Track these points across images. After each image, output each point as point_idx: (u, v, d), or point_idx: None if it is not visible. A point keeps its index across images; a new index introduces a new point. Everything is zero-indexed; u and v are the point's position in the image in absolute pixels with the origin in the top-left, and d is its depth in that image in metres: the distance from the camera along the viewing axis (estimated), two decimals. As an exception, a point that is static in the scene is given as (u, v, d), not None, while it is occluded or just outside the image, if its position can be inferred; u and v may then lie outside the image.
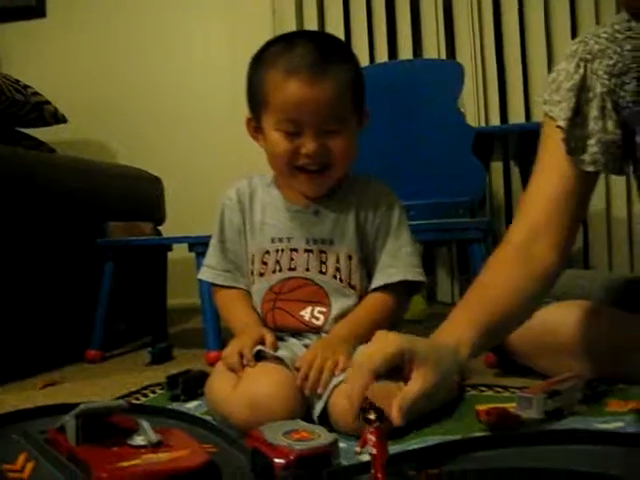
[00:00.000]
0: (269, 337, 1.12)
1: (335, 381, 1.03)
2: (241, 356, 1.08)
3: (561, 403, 1.08)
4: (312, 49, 1.12)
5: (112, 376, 1.59)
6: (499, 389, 1.26)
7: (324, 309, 1.19)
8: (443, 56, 2.68)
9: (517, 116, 2.64)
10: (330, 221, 1.21)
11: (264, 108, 1.16)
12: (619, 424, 0.99)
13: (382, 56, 2.72)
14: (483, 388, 1.27)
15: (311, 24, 2.74)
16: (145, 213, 2.18)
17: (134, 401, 1.28)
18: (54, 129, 2.43)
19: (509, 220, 2.70)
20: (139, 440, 0.83)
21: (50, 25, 3.08)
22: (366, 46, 2.70)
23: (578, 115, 1.09)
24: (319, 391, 1.04)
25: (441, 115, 1.69)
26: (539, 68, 2.63)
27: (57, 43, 3.05)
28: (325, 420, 1.03)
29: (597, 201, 2.60)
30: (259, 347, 1.10)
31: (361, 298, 1.21)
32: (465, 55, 2.64)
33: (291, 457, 0.76)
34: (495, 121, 2.64)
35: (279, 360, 1.09)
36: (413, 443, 0.96)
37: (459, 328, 0.97)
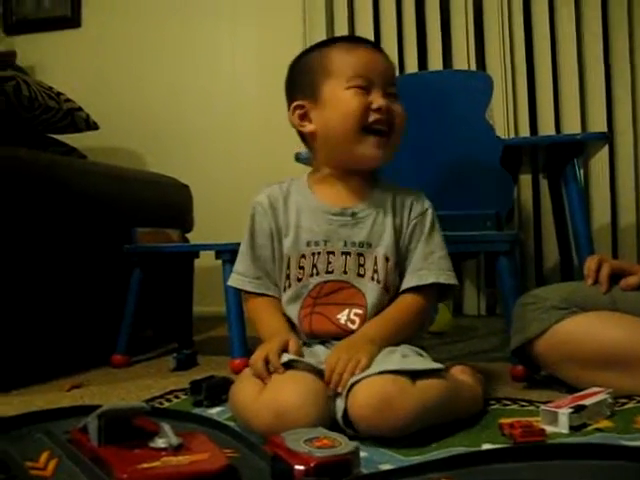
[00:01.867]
0: (293, 342, 1.12)
1: (353, 379, 1.03)
2: (267, 362, 1.08)
3: (587, 418, 1.06)
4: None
5: (137, 380, 1.60)
6: (524, 403, 1.24)
7: (360, 311, 1.20)
8: (473, 67, 2.67)
9: (547, 128, 2.62)
10: (367, 224, 1.23)
11: (327, 76, 1.21)
12: (646, 441, 0.97)
13: (412, 66, 2.72)
14: (507, 402, 1.25)
15: (342, 34, 2.75)
16: (173, 220, 2.20)
17: (157, 405, 1.28)
18: (86, 136, 2.47)
19: (537, 233, 2.68)
20: (160, 443, 0.83)
21: (85, 35, 3.13)
22: (396, 56, 2.70)
23: None
24: (339, 390, 1.04)
25: (469, 126, 1.68)
26: (570, 80, 2.61)
27: (91, 52, 3.10)
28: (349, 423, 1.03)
29: (627, 214, 2.57)
30: (286, 356, 1.09)
31: (391, 300, 1.22)
32: (495, 66, 2.63)
33: (311, 464, 0.76)
34: (524, 133, 2.63)
35: (308, 367, 1.08)
36: (436, 454, 0.95)
37: None
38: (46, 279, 1.72)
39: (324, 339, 1.20)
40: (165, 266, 2.06)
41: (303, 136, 1.29)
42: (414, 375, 1.04)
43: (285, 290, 1.25)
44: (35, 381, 1.56)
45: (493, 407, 1.22)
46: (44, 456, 0.86)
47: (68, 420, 0.99)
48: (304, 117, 1.24)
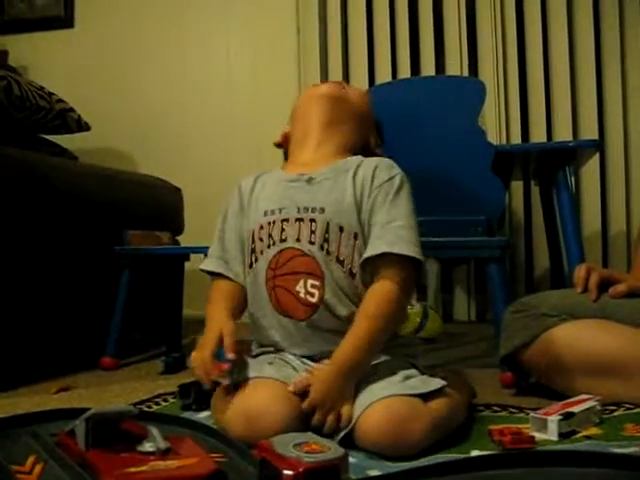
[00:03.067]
0: (226, 330, 1.09)
1: (357, 413, 1.01)
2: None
3: (576, 425, 1.07)
4: None
5: (125, 383, 1.59)
6: (513, 409, 1.24)
7: (317, 282, 1.13)
8: (466, 73, 2.68)
9: (539, 135, 2.63)
10: (324, 189, 1.18)
11: None
12: (635, 449, 0.96)
13: (405, 72, 2.72)
14: (497, 408, 1.25)
15: (335, 42, 2.76)
16: (164, 222, 2.19)
17: (145, 409, 1.27)
18: (77, 137, 2.46)
19: (529, 239, 2.69)
20: (148, 447, 0.83)
21: (78, 35, 3.12)
22: (389, 62, 2.71)
23: None
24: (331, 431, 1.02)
25: (461, 132, 1.68)
26: (562, 87, 2.62)
27: (83, 53, 3.09)
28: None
29: (618, 221, 2.59)
30: (252, 372, 1.08)
31: (352, 275, 1.14)
32: (488, 72, 2.64)
33: (300, 469, 0.75)
34: (516, 139, 2.64)
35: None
36: (425, 460, 0.95)
37: None
38: (35, 280, 1.71)
39: (292, 316, 1.15)
40: (155, 268, 2.05)
41: None
42: (422, 395, 1.04)
43: (252, 266, 1.21)
44: (22, 383, 1.55)
45: (482, 413, 1.21)
46: (30, 460, 0.85)
47: (55, 423, 0.98)
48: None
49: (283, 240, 1.17)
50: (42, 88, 2.23)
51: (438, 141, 1.71)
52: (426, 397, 1.04)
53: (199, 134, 2.96)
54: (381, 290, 1.12)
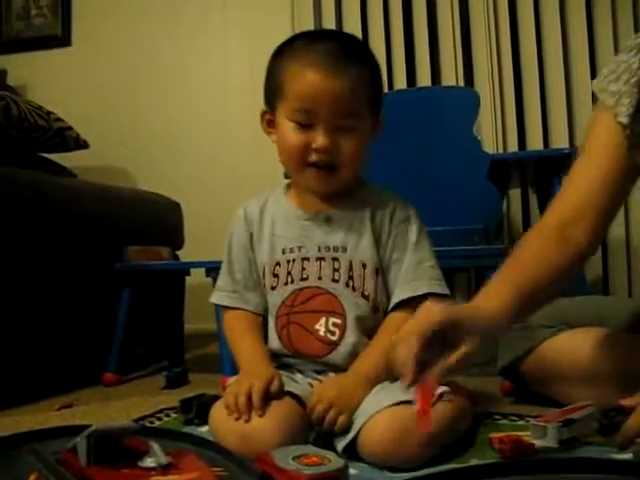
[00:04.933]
0: (276, 382, 1.06)
1: (362, 420, 1.01)
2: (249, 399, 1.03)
3: (576, 432, 1.07)
4: (333, 46, 1.12)
5: (127, 399, 1.59)
6: (514, 417, 1.24)
7: (339, 320, 1.15)
8: (461, 83, 2.69)
9: (535, 143, 2.63)
10: (343, 228, 1.18)
11: (279, 97, 1.14)
12: (628, 455, 0.97)
13: (400, 83, 2.74)
14: (497, 416, 1.26)
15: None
16: (164, 238, 2.20)
17: (148, 424, 1.28)
18: (76, 154, 2.47)
19: (527, 247, 2.68)
20: (149, 462, 0.83)
21: (75, 54, 3.14)
22: (385, 73, 2.72)
23: None
24: (329, 427, 1.03)
25: (457, 142, 1.70)
26: (557, 95, 2.63)
27: (81, 71, 3.11)
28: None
29: (617, 228, 2.59)
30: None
31: (376, 309, 1.17)
32: (483, 82, 2.66)
33: (300, 481, 0.76)
34: (513, 148, 2.65)
35: (287, 394, 1.06)
36: (425, 469, 0.95)
37: (497, 298, 0.97)
38: (36, 298, 1.72)
39: (308, 359, 1.17)
40: (156, 284, 2.06)
41: None
42: None
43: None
44: (24, 401, 1.55)
45: (483, 422, 1.22)
46: (32, 478, 0.85)
47: (57, 440, 0.98)
48: (271, 125, 1.20)
49: (304, 279, 1.17)
50: (40, 107, 2.25)
51: (434, 151, 1.72)
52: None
53: (198, 149, 2.98)
54: (404, 319, 1.12)
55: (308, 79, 1.09)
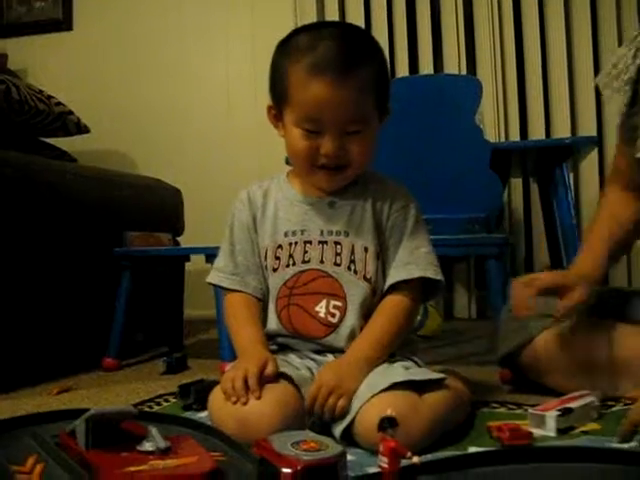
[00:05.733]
0: (271, 365, 1.07)
1: (358, 404, 1.01)
2: (246, 383, 1.03)
3: (574, 421, 1.07)
4: (338, 45, 1.10)
5: (126, 384, 1.60)
6: (512, 406, 1.25)
7: (339, 303, 1.16)
8: (464, 71, 2.69)
9: (537, 132, 2.63)
10: (345, 212, 1.20)
11: (286, 102, 1.14)
12: (633, 443, 0.97)
13: (403, 70, 2.73)
14: (496, 405, 1.26)
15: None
16: (164, 224, 2.20)
17: (147, 409, 1.28)
18: (77, 139, 2.47)
19: (528, 236, 2.69)
20: (148, 446, 0.83)
21: (76, 38, 3.14)
22: (387, 61, 2.71)
23: (634, 106, 1.10)
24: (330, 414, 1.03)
25: (458, 130, 1.69)
26: (560, 84, 2.63)
27: (82, 55, 3.10)
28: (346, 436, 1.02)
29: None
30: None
31: (374, 292, 1.18)
32: (486, 70, 2.65)
33: (298, 467, 0.75)
34: (515, 137, 2.64)
35: (282, 376, 1.06)
36: (422, 456, 0.95)
37: (594, 260, 1.30)
38: (36, 282, 1.72)
39: (307, 339, 1.18)
40: (155, 269, 2.06)
41: None
42: (419, 388, 1.04)
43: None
44: (24, 385, 1.56)
45: (482, 410, 1.22)
46: (30, 460, 0.86)
47: (56, 424, 0.99)
48: (278, 119, 1.19)
49: (306, 261, 1.18)
50: (41, 91, 2.24)
51: (435, 139, 1.72)
52: (425, 390, 1.05)
53: (199, 135, 2.97)
54: (400, 301, 1.17)
55: (314, 89, 1.08)
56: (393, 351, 1.16)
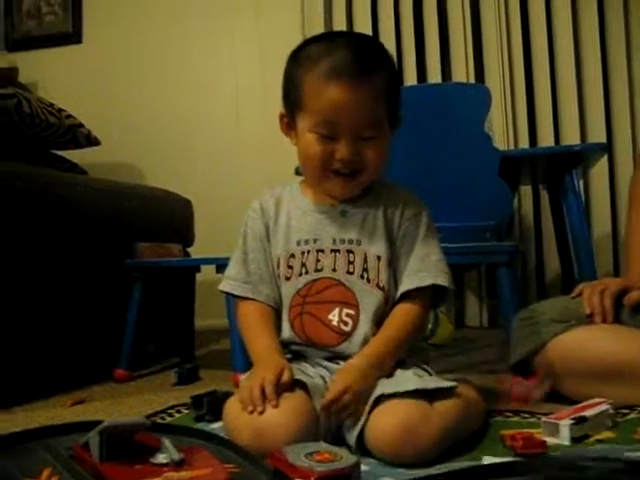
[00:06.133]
0: (287, 373, 1.06)
1: (367, 409, 1.01)
2: (263, 392, 1.03)
3: (589, 429, 1.06)
4: (352, 53, 1.12)
5: (139, 395, 1.60)
6: (525, 415, 1.24)
7: (352, 311, 1.16)
8: (472, 79, 2.69)
9: (546, 139, 2.63)
10: (358, 221, 1.20)
11: (300, 109, 1.15)
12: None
13: (411, 79, 2.74)
14: (509, 414, 1.25)
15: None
16: (174, 235, 2.21)
17: (159, 420, 1.28)
18: (87, 151, 2.48)
19: (539, 244, 2.68)
20: (162, 458, 0.83)
21: (86, 51, 3.16)
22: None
23: None
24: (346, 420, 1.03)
25: (467, 138, 1.69)
26: (568, 91, 2.63)
27: (92, 68, 3.12)
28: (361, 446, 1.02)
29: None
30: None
31: (387, 300, 1.18)
32: (494, 78, 2.65)
33: (312, 478, 0.76)
34: (524, 144, 2.64)
35: (297, 384, 1.06)
36: (437, 466, 0.95)
37: None
38: (48, 295, 1.73)
39: (320, 348, 1.18)
40: (166, 280, 2.06)
41: None
42: (431, 395, 1.04)
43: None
44: (37, 397, 1.56)
45: (495, 419, 1.21)
46: (45, 473, 0.86)
47: (70, 436, 0.98)
48: (290, 127, 1.21)
49: (318, 270, 1.19)
50: (52, 105, 2.26)
51: (445, 148, 1.72)
52: (436, 398, 1.04)
53: (208, 145, 2.98)
54: (411, 309, 1.18)
55: (330, 93, 1.10)
56: (404, 359, 1.16)
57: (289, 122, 1.21)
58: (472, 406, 1.13)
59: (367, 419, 1.01)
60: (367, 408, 1.02)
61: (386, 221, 1.21)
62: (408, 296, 1.18)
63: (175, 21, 3.05)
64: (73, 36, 3.15)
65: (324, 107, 1.11)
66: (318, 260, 1.19)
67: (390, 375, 1.11)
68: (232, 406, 1.08)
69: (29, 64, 3.06)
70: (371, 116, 1.13)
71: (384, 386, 1.05)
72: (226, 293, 1.28)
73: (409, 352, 1.19)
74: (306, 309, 1.18)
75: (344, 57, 1.11)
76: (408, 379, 1.08)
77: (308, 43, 1.19)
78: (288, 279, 1.21)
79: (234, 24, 2.98)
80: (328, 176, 1.17)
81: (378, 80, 1.13)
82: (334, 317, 1.17)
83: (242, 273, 1.25)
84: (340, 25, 2.80)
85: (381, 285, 1.18)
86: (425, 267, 1.19)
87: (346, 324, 1.16)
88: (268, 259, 1.25)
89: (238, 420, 1.04)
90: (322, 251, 1.20)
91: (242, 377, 1.19)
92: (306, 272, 1.20)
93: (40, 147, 2.25)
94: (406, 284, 1.19)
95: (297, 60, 1.18)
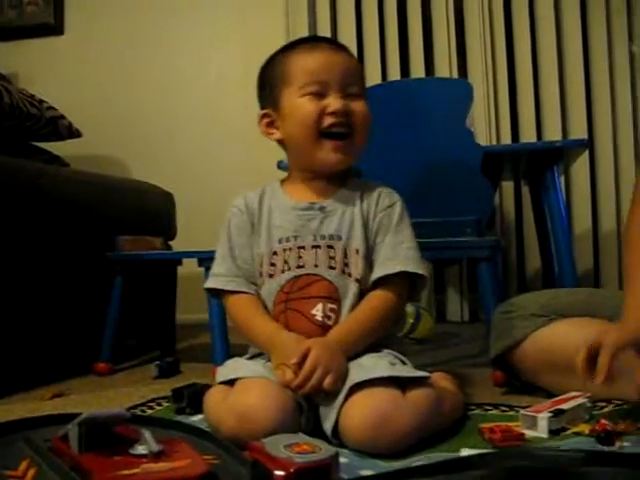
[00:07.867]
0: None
1: (342, 397, 1.03)
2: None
3: (566, 422, 1.08)
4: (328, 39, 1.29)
5: (119, 388, 1.60)
6: (504, 408, 1.25)
7: (335, 306, 1.18)
8: (455, 75, 2.70)
9: (528, 135, 2.64)
10: (336, 217, 1.23)
11: (285, 84, 1.22)
12: (625, 444, 0.98)
13: (394, 74, 2.74)
14: (488, 407, 1.26)
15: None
16: (156, 228, 2.20)
17: (140, 413, 1.28)
18: (68, 143, 2.46)
19: (520, 239, 2.70)
20: (141, 449, 0.83)
21: (67, 42, 3.13)
22: (378, 65, 2.73)
23: None
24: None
25: (449, 134, 1.69)
26: (551, 87, 2.64)
27: (74, 60, 3.09)
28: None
29: (608, 221, 2.60)
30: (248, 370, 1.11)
31: (362, 293, 1.20)
32: (477, 73, 2.66)
33: (291, 470, 0.76)
34: (506, 140, 2.66)
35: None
36: (416, 459, 0.96)
37: None
38: (28, 287, 1.71)
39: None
40: (148, 274, 2.06)
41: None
42: (404, 385, 1.05)
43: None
44: (16, 390, 1.55)
45: (474, 412, 1.23)
46: (23, 464, 0.85)
47: (49, 428, 0.98)
48: (271, 125, 1.26)
49: (300, 266, 1.21)
50: (32, 96, 2.24)
51: (426, 143, 1.72)
52: (409, 388, 1.05)
53: (190, 139, 2.97)
54: (384, 296, 1.20)
55: (316, 55, 1.22)
56: (378, 349, 1.17)
57: (269, 121, 1.26)
58: (448, 398, 1.14)
59: (341, 408, 1.02)
60: (341, 398, 1.03)
61: (362, 214, 1.24)
62: (380, 284, 1.21)
63: (159, 13, 3.02)
64: (55, 27, 3.12)
65: (312, 67, 1.21)
66: (300, 257, 1.21)
67: (359, 356, 1.13)
68: (213, 395, 1.10)
69: (10, 55, 3.03)
70: (355, 74, 1.24)
71: (357, 373, 1.06)
72: (215, 290, 1.28)
73: (384, 343, 1.20)
74: (290, 305, 1.20)
75: (321, 39, 1.31)
76: (381, 366, 1.09)
77: (284, 46, 1.31)
78: (271, 276, 1.23)
79: (218, 17, 2.97)
80: (322, 142, 1.21)
81: (354, 58, 1.30)
82: (318, 312, 1.18)
83: (232, 269, 1.27)
84: (324, 23, 2.80)
85: (358, 278, 1.20)
86: (396, 255, 1.22)
87: (329, 318, 1.18)
88: (252, 256, 1.26)
89: (221, 408, 1.05)
90: (303, 248, 1.22)
91: (218, 369, 1.20)
92: (288, 269, 1.21)
93: (21, 139, 2.23)
94: (376, 272, 1.21)
95: (274, 56, 1.29)
